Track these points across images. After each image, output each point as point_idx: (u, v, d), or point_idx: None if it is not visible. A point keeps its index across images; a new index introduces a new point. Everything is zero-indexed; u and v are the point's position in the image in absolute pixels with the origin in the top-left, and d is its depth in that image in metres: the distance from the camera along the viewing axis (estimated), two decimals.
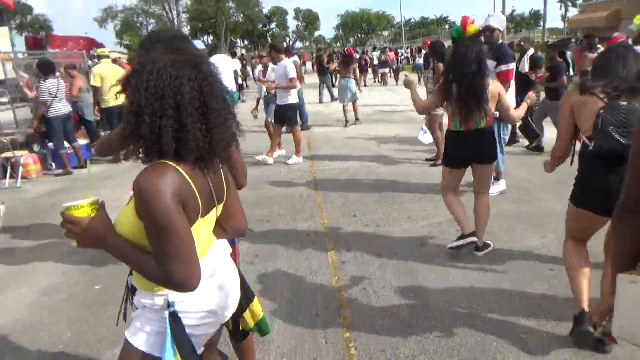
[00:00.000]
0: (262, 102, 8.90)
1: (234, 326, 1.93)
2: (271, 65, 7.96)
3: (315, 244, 4.24)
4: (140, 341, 1.47)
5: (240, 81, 13.69)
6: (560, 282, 3.21)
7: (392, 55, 23.40)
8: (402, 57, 31.38)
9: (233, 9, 51.73)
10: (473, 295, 3.23)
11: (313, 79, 18.00)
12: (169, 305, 1.40)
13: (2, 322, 3.22)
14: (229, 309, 1.63)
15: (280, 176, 6.66)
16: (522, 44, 8.50)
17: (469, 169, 3.79)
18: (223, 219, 1.60)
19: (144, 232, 1.32)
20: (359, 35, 75.80)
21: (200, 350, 1.50)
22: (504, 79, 4.81)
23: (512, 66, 4.96)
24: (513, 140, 7.27)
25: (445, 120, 4.25)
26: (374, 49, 28.49)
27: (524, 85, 6.39)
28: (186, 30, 49.30)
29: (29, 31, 45.08)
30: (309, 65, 31.19)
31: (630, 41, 5.54)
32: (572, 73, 8.38)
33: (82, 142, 8.03)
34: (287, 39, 67.10)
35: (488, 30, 4.90)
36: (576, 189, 2.63)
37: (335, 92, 14.00)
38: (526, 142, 7.28)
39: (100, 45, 23.63)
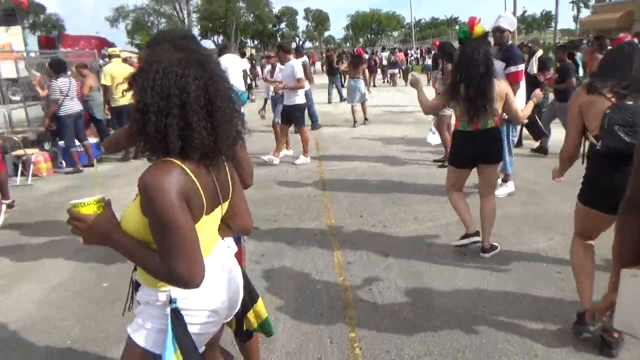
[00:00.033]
0: (269, 102, 8.92)
1: (238, 326, 1.94)
2: (279, 65, 7.98)
3: (322, 243, 4.25)
4: (141, 338, 1.48)
5: (249, 81, 13.75)
6: (567, 284, 3.19)
7: (401, 55, 23.35)
8: (412, 58, 31.29)
9: (243, 8, 51.88)
10: (479, 297, 3.22)
11: (322, 79, 18.02)
12: (171, 301, 1.41)
13: (11, 318, 3.26)
14: (231, 309, 1.64)
15: (287, 176, 6.67)
16: (530, 45, 8.45)
17: (474, 170, 3.78)
18: (228, 217, 1.61)
19: (149, 229, 1.33)
20: (369, 36, 75.70)
21: (201, 349, 1.51)
22: (513, 80, 4.78)
23: (522, 67, 4.93)
24: (518, 142, 7.22)
25: (453, 121, 4.24)
26: (383, 49, 28.45)
27: (532, 86, 6.34)
28: (196, 30, 49.59)
29: (41, 30, 45.63)
30: (317, 65, 31.21)
31: (636, 40, 5.48)
32: (581, 74, 8.31)
33: (92, 140, 8.10)
34: (297, 39, 67.19)
35: (498, 31, 4.88)
36: (583, 187, 2.65)
37: (344, 92, 14.00)
38: (532, 144, 7.24)
39: (112, 45, 23.83)
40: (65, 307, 3.37)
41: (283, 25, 65.70)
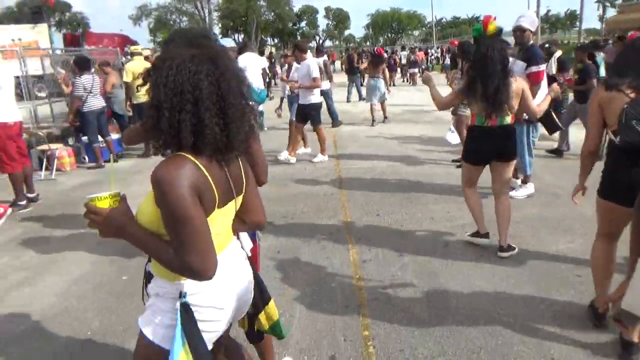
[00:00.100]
0: (285, 100, 8.95)
1: (249, 327, 1.94)
2: (295, 64, 8.00)
3: (337, 241, 4.26)
4: (150, 331, 1.51)
5: (267, 79, 13.81)
6: (587, 288, 3.14)
7: (421, 54, 23.19)
8: (432, 57, 31.04)
9: (264, 7, 52.08)
10: (495, 298, 3.19)
11: (341, 77, 18.01)
12: (181, 295, 1.43)
13: (35, 309, 3.35)
14: (240, 309, 1.65)
15: (305, 174, 6.70)
16: (547, 45, 8.28)
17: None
18: (242, 212, 1.63)
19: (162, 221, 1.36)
20: (389, 35, 75.21)
21: (209, 346, 1.51)
22: (534, 80, 4.72)
23: (543, 67, 4.86)
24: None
25: None
26: (403, 48, 28.27)
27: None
28: (217, 28, 49.97)
29: (67, 28, 46.50)
30: (337, 64, 31.19)
31: None
32: (603, 75, 8.11)
33: (114, 136, 8.25)
34: (317, 38, 67.17)
35: (518, 30, 4.81)
36: (602, 181, 2.68)
37: (364, 91, 13.97)
38: (548, 145, 7.12)
39: (134, 42, 24.16)
40: (86, 299, 3.45)
41: (303, 23, 65.69)
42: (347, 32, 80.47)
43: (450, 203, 5.05)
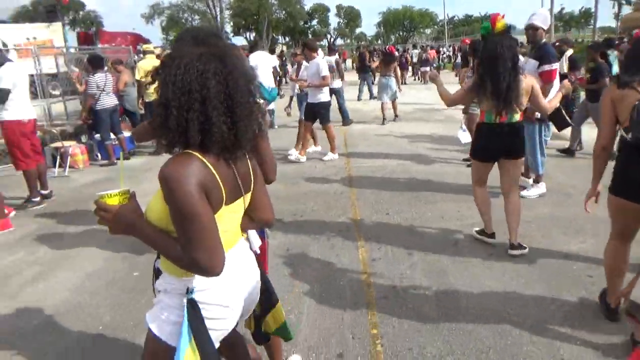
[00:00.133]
0: (295, 99, 8.96)
1: (256, 327, 1.94)
2: (304, 63, 7.99)
3: (347, 239, 4.26)
4: (156, 327, 1.52)
5: (278, 77, 13.84)
6: (598, 288, 3.11)
7: (432, 53, 23.07)
8: (444, 55, 30.85)
9: (275, 5, 52.20)
10: (505, 298, 3.18)
11: (351, 76, 17.98)
12: (188, 291, 1.44)
13: (49, 303, 3.41)
14: (246, 309, 1.65)
15: (315, 172, 6.71)
16: (557, 44, 8.20)
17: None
18: (250, 210, 1.64)
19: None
20: (401, 33, 74.88)
21: (216, 345, 1.52)
22: (546, 79, 4.68)
23: (556, 66, 4.80)
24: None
25: None
26: (414, 46, 28.14)
27: None
28: (229, 26, 50.19)
29: (80, 27, 47.01)
30: (348, 62, 31.13)
31: None
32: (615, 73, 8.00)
33: (127, 134, 8.34)
34: (328, 36, 67.09)
35: (531, 28, 4.77)
36: (614, 178, 2.68)
37: (375, 89, 13.95)
38: (559, 145, 7.05)
39: (147, 41, 24.38)
40: (98, 295, 3.50)
41: (315, 22, 65.67)
42: (358, 30, 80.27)
43: (461, 202, 5.02)
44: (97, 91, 7.46)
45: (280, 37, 58.99)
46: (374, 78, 16.79)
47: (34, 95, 8.72)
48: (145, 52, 9.31)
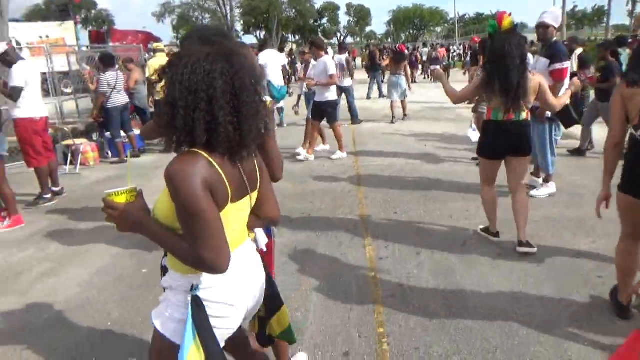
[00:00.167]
0: (303, 98, 8.95)
1: (260, 329, 1.93)
2: (312, 61, 7.99)
3: (354, 238, 4.26)
4: (160, 325, 1.53)
5: (288, 76, 13.87)
6: (608, 289, 3.08)
7: (442, 51, 22.95)
8: (454, 54, 30.67)
9: (285, 4, 52.25)
10: (513, 298, 3.16)
11: (360, 74, 17.94)
12: (193, 288, 1.45)
13: (58, 299, 3.45)
14: (250, 309, 1.65)
15: (323, 171, 6.71)
16: (566, 42, 8.10)
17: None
18: (257, 208, 1.64)
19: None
20: (411, 31, 74.55)
21: (222, 344, 1.52)
22: (558, 77, 4.64)
23: (567, 64, 4.75)
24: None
25: None
26: (424, 45, 28.01)
27: None
28: (239, 25, 50.33)
29: (92, 25, 47.45)
30: (358, 61, 31.06)
31: None
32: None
33: (137, 131, 8.39)
34: (338, 34, 66.99)
35: (542, 26, 4.73)
36: (623, 176, 2.68)
37: (384, 88, 13.91)
38: (569, 145, 6.98)
39: (157, 39, 24.53)
40: (107, 291, 3.53)
41: (324, 20, 65.57)
42: (368, 29, 79.99)
43: (470, 201, 5.00)
44: (108, 89, 7.53)
45: (290, 35, 58.99)
46: (384, 76, 16.75)
47: (46, 93, 8.82)
48: (155, 51, 9.39)
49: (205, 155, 1.37)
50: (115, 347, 2.85)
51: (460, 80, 11.75)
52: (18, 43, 14.50)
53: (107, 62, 7.73)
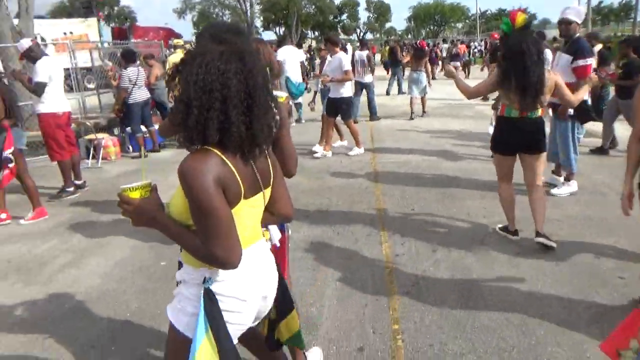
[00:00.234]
0: (319, 94, 8.93)
1: (269, 333, 1.90)
2: (328, 57, 7.97)
3: (371, 235, 4.26)
4: (174, 318, 1.55)
5: (306, 72, 13.88)
6: (630, 290, 3.03)
7: (463, 47, 22.64)
8: (475, 50, 30.25)
9: (305, 0, 52.23)
10: (531, 298, 3.12)
11: (379, 71, 17.81)
12: (205, 280, 1.46)
13: (79, 290, 3.53)
14: (261, 309, 1.64)
15: (340, 167, 6.71)
16: (586, 39, 7.91)
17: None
18: (270, 205, 1.65)
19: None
20: (431, 27, 73.79)
21: (235, 341, 1.52)
22: (581, 74, 4.55)
23: (591, 61, 4.66)
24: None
25: None
26: (444, 41, 27.69)
27: None
28: (259, 21, 50.51)
29: (115, 21, 48.17)
30: (377, 57, 30.87)
31: None
32: None
33: (157, 127, 8.50)
34: (358, 31, 66.71)
35: (564, 23, 4.64)
36: None
37: (404, 84, 13.81)
38: (589, 143, 6.83)
39: (178, 35, 24.77)
40: (126, 282, 3.60)
41: (344, 16, 65.33)
42: (388, 25, 79.48)
43: (488, 199, 4.94)
44: (129, 85, 7.64)
45: (309, 31, 58.96)
46: (404, 73, 16.62)
47: (69, 88, 8.99)
48: (175, 47, 9.49)
49: (218, 152, 1.38)
50: (134, 338, 2.90)
51: (478, 77, 11.58)
52: (43, 39, 14.84)
53: (128, 58, 7.85)
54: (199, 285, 1.48)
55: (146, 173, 1.63)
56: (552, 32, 17.14)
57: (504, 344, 2.66)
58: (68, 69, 8.60)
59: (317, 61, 19.63)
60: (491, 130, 6.46)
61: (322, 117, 7.79)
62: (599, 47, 7.35)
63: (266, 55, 2.32)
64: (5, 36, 8.72)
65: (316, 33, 61.18)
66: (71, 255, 4.16)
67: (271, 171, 1.60)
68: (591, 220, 4.34)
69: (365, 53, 10.17)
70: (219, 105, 1.34)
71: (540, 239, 3.71)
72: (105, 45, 13.79)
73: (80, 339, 2.91)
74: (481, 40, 35.90)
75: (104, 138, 7.86)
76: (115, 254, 4.12)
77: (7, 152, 4.64)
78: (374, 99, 10.42)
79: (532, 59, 3.42)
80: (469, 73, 19.86)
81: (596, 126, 6.99)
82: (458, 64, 20.33)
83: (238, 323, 1.53)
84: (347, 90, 7.22)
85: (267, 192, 1.59)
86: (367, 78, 10.09)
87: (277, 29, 52.56)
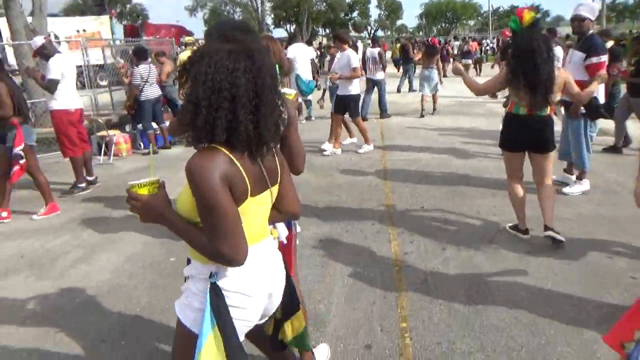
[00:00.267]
0: (327, 92, 8.91)
1: (274, 332, 1.87)
2: (337, 55, 7.96)
3: (379, 232, 4.25)
4: (181, 313, 1.56)
5: (317, 70, 13.86)
6: None
7: (474, 45, 22.46)
8: (487, 47, 29.99)
9: None
10: (541, 297, 3.09)
11: (389, 68, 17.73)
12: (211, 275, 1.47)
13: (90, 284, 3.57)
14: (269, 305, 1.64)
15: (350, 164, 6.70)
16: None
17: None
18: (277, 202, 1.65)
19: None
20: (443, 25, 73.28)
21: (241, 338, 1.51)
22: (594, 72, 4.48)
23: (604, 58, 4.59)
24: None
25: None
26: (455, 38, 27.49)
27: None
28: (269, 18, 50.54)
29: (127, 19, 48.49)
30: (388, 54, 30.70)
31: None
32: None
33: (168, 123, 8.56)
34: (369, 28, 66.44)
35: (577, 19, 4.58)
36: None
37: (415, 82, 13.75)
38: (605, 140, 6.74)
39: (189, 33, 24.87)
40: (137, 278, 3.64)
41: (355, 13, 65.06)
42: (399, 22, 79.01)
43: (498, 197, 4.91)
44: (141, 82, 7.70)
45: (320, 29, 58.84)
46: (415, 70, 16.55)
47: (82, 85, 9.08)
48: (186, 44, 9.53)
49: (225, 150, 1.39)
50: (143, 332, 2.93)
51: (489, 75, 11.49)
52: (56, 37, 14.99)
53: (140, 55, 7.91)
54: (205, 280, 1.49)
55: (156, 170, 1.64)
56: (566, 30, 16.94)
57: (512, 343, 2.64)
58: (80, 66, 8.69)
59: (328, 58, 19.62)
60: None
61: (331, 114, 7.79)
62: (610, 43, 7.23)
63: (276, 53, 2.32)
64: (20, 34, 8.82)
65: (327, 30, 61.02)
66: (82, 250, 4.21)
67: (278, 169, 1.60)
68: (603, 219, 4.30)
69: (376, 50, 10.14)
70: (228, 105, 1.34)
71: (549, 233, 3.70)
72: (118, 42, 13.89)
73: (91, 333, 2.94)
74: (493, 38, 35.57)
75: (116, 135, 7.94)
76: (126, 250, 4.16)
77: (18, 149, 4.70)
78: (385, 96, 10.38)
79: (542, 56, 3.40)
80: (480, 71, 19.71)
81: (609, 124, 6.90)
82: (470, 61, 20.18)
83: (244, 319, 1.53)
84: (355, 87, 7.19)
85: (275, 189, 1.59)
86: (379, 75, 10.06)
87: (288, 26, 52.49)
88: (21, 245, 4.38)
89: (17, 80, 10.29)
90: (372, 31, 63.41)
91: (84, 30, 19.51)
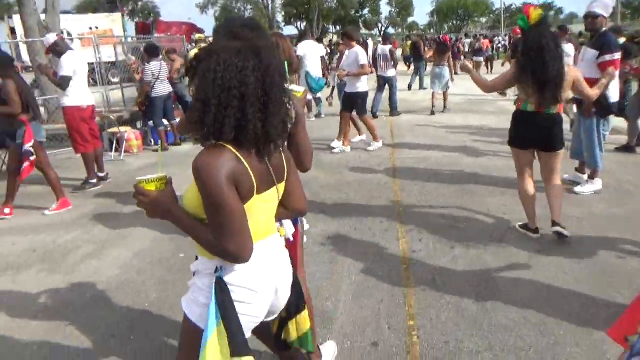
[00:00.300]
0: (336, 89, 8.89)
1: (278, 331, 1.85)
2: (346, 52, 7.94)
3: (388, 230, 4.24)
4: (188, 309, 1.57)
5: (327, 67, 13.84)
6: None
7: (486, 42, 22.26)
8: (499, 45, 29.71)
9: None
10: (550, 296, 3.07)
11: (399, 66, 17.65)
12: (217, 270, 1.48)
13: (100, 279, 3.61)
14: (276, 302, 1.64)
15: (359, 162, 6.69)
16: None
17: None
18: (284, 199, 1.65)
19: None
20: (454, 22, 72.82)
21: (247, 334, 1.52)
22: (606, 69, 4.42)
23: (618, 56, 4.52)
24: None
25: None
26: (466, 35, 27.27)
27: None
28: (280, 16, 50.57)
29: (139, 17, 48.79)
30: (398, 52, 30.56)
31: None
32: None
33: (179, 120, 8.59)
34: (379, 25, 66.22)
35: (590, 16, 4.52)
36: None
37: (426, 79, 13.68)
38: (614, 141, 6.64)
39: (200, 30, 24.99)
40: (146, 273, 3.67)
41: (366, 11, 64.85)
42: (410, 20, 78.65)
43: (508, 196, 4.87)
44: (152, 79, 7.75)
45: (331, 26, 58.74)
46: (426, 68, 16.45)
47: (94, 82, 9.15)
48: (197, 42, 9.56)
49: (232, 148, 1.39)
50: (152, 328, 2.96)
51: (500, 73, 11.38)
52: (69, 34, 15.13)
53: (151, 52, 7.96)
54: (211, 275, 1.50)
55: (166, 166, 1.65)
56: (580, 27, 16.73)
57: (521, 343, 2.62)
58: (92, 63, 8.75)
59: (337, 56, 19.56)
60: None
61: (340, 112, 7.79)
62: (621, 41, 7.13)
63: (285, 50, 2.32)
64: (33, 31, 8.92)
65: (338, 28, 60.88)
66: (93, 246, 4.26)
67: (285, 166, 1.60)
68: (616, 219, 4.25)
69: (388, 47, 10.11)
70: (237, 103, 1.34)
71: (557, 228, 3.70)
72: (129, 40, 13.99)
73: (101, 328, 2.97)
74: (505, 35, 35.23)
75: (127, 131, 8.00)
76: (136, 246, 4.19)
77: (28, 146, 4.75)
78: (396, 94, 10.34)
79: (551, 54, 3.38)
80: (491, 68, 19.54)
81: (622, 123, 6.81)
82: (481, 59, 20.01)
83: (250, 315, 1.53)
84: (363, 85, 7.15)
85: (281, 187, 1.59)
86: (390, 72, 10.03)
87: (299, 23, 52.51)
88: (33, 241, 4.44)
89: (31, 77, 10.43)
90: (383, 29, 63.19)
91: (97, 28, 19.69)
